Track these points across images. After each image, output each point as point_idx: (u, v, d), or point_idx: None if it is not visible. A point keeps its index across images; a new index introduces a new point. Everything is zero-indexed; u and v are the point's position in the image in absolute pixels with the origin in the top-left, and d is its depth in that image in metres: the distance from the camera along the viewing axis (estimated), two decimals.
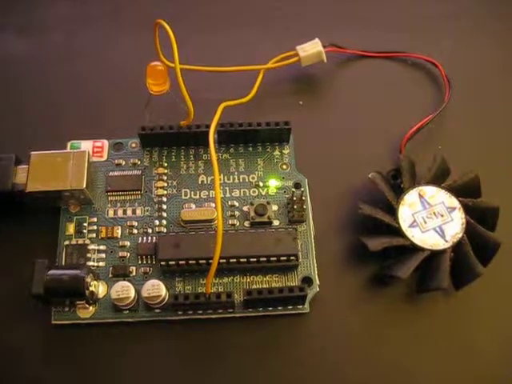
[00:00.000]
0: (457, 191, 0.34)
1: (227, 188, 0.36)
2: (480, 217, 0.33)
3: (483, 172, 0.35)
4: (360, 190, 0.36)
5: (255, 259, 0.32)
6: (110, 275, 0.33)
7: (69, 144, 0.37)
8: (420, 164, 0.35)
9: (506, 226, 0.34)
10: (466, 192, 0.34)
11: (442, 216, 0.33)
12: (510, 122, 0.39)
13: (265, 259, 0.32)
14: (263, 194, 0.35)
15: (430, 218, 0.33)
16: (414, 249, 0.33)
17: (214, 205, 0.35)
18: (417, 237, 0.33)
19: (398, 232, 0.33)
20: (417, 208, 0.34)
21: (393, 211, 0.34)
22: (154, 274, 0.33)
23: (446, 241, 0.33)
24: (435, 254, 0.33)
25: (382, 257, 0.33)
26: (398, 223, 0.33)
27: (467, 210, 0.34)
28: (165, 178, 0.36)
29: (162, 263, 0.32)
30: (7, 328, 0.33)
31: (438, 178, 0.35)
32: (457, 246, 0.33)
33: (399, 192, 0.34)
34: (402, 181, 0.34)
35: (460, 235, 0.33)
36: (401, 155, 0.36)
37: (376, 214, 0.34)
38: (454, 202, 0.34)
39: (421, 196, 0.34)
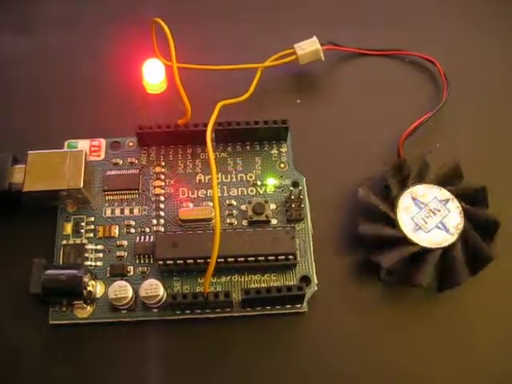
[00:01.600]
0: (443, 182, 0.34)
1: (225, 187, 0.35)
2: (472, 201, 0.34)
3: (482, 169, 0.35)
4: (358, 189, 0.36)
5: (253, 258, 0.32)
6: (108, 275, 0.33)
7: (66, 143, 0.36)
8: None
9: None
10: (449, 180, 0.34)
11: (439, 211, 0.33)
12: (508, 119, 0.39)
13: (263, 258, 0.32)
14: (261, 192, 0.35)
15: (429, 217, 0.33)
16: (425, 252, 0.32)
17: (211, 204, 0.35)
18: (423, 239, 0.33)
19: (404, 241, 0.33)
20: (413, 211, 0.33)
21: (392, 221, 0.33)
22: (152, 274, 0.33)
23: (452, 234, 0.33)
24: (447, 252, 0.32)
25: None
26: (402, 232, 0.33)
27: (458, 197, 0.34)
28: (162, 176, 0.36)
29: (160, 263, 0.32)
30: (5, 328, 0.33)
31: (421, 176, 0.34)
32: (463, 235, 0.33)
33: (398, 191, 0.34)
34: (391, 190, 0.34)
35: (462, 224, 0.33)
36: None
37: (377, 230, 0.33)
38: (445, 193, 0.34)
39: (414, 198, 0.34)
